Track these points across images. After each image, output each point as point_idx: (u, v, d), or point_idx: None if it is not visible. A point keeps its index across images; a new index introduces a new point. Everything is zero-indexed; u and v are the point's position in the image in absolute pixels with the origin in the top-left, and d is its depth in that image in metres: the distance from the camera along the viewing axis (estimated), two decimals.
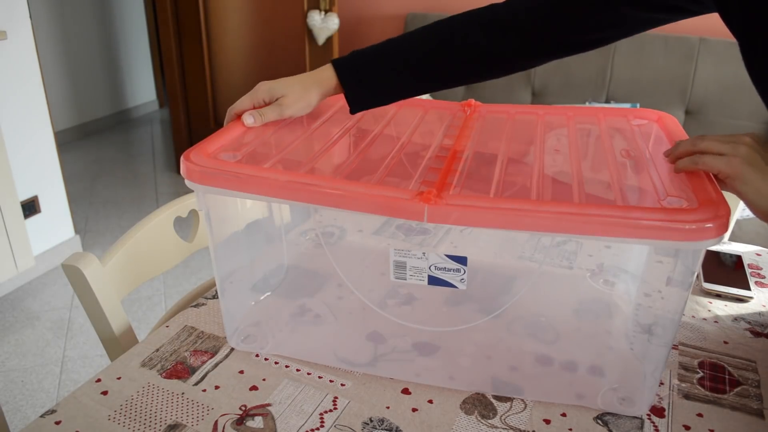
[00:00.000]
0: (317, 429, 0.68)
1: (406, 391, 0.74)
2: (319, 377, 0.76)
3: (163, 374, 0.75)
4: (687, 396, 0.74)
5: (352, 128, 0.88)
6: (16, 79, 2.23)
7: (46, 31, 3.57)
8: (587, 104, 2.48)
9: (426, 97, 2.68)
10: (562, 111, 0.94)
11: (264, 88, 0.83)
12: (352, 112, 0.85)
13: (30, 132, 2.32)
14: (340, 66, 0.82)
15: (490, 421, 0.69)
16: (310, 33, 2.82)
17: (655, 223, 0.59)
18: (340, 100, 0.99)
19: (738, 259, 1.05)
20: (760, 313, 0.92)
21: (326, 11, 2.77)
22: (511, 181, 0.72)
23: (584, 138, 0.87)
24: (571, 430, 0.68)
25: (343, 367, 0.77)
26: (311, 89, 0.82)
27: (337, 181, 0.69)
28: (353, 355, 0.79)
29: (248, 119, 0.81)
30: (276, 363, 0.78)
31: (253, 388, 0.74)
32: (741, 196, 0.65)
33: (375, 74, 0.83)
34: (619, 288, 0.93)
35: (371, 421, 0.69)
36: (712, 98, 2.38)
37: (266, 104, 0.84)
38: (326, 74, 0.82)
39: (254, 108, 0.83)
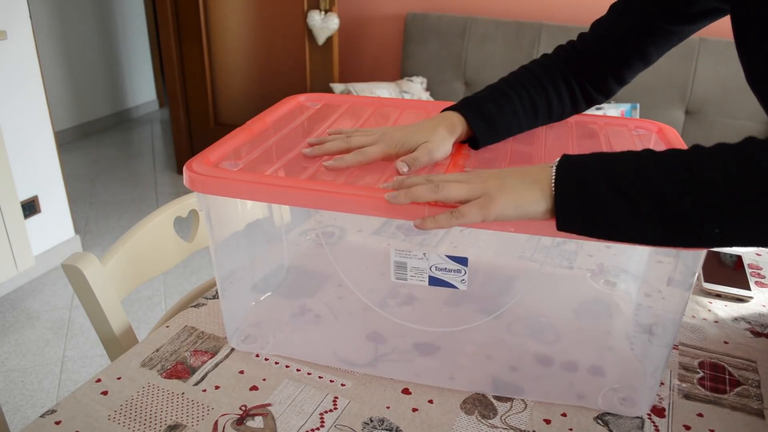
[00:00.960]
0: (317, 429, 0.68)
1: (406, 391, 0.74)
2: (320, 377, 0.76)
3: (163, 374, 0.75)
4: (687, 396, 0.74)
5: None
6: (16, 79, 2.23)
7: (46, 31, 3.57)
8: None
9: (426, 97, 2.68)
10: None
11: (396, 140, 0.77)
12: (478, 147, 0.83)
13: (30, 132, 2.32)
14: (463, 109, 0.82)
15: (490, 421, 0.69)
16: (310, 33, 2.82)
17: None
18: (343, 105, 0.99)
19: (738, 259, 1.05)
20: (760, 313, 0.92)
21: (326, 11, 2.77)
22: None
23: (585, 143, 0.87)
24: (571, 430, 0.68)
25: (344, 367, 0.77)
26: (448, 138, 0.79)
27: (338, 184, 0.69)
28: (353, 355, 0.79)
29: (403, 167, 0.74)
30: (276, 363, 0.78)
31: (254, 388, 0.74)
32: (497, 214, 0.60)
33: (494, 114, 0.83)
34: (620, 288, 0.93)
35: (371, 421, 0.69)
36: (712, 98, 2.38)
37: (399, 154, 0.78)
38: (454, 119, 0.80)
39: (384, 155, 0.78)
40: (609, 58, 0.86)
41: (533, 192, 0.60)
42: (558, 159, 0.61)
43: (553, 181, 0.59)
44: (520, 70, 0.89)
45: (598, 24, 0.87)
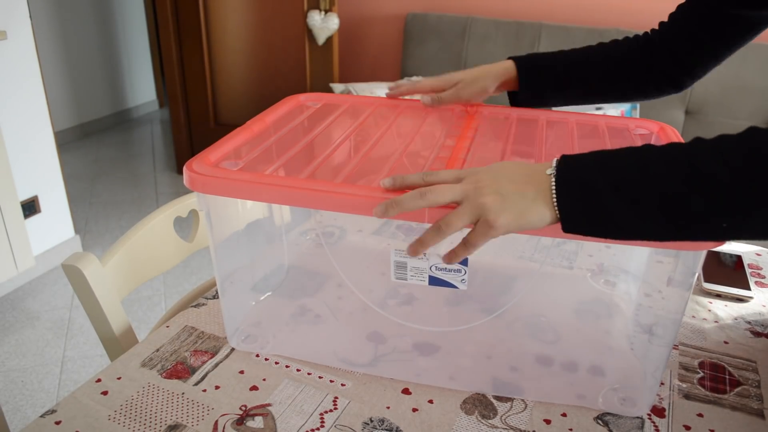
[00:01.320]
0: (317, 429, 0.68)
1: (406, 391, 0.74)
2: (320, 377, 0.76)
3: (163, 374, 0.75)
4: (687, 396, 0.74)
5: (353, 132, 0.88)
6: (16, 79, 2.23)
7: (46, 31, 3.57)
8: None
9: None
10: (563, 116, 0.94)
11: (443, 75, 0.92)
12: (517, 104, 0.92)
13: (30, 132, 2.32)
14: (518, 58, 0.90)
15: (490, 421, 0.69)
16: (310, 33, 2.82)
17: None
18: (343, 105, 0.99)
19: (738, 259, 1.05)
20: (760, 313, 0.92)
21: (326, 11, 2.77)
22: None
23: (585, 143, 0.87)
24: (571, 430, 0.68)
25: (344, 367, 0.77)
26: (488, 75, 0.90)
27: (338, 184, 0.69)
28: (353, 355, 0.79)
29: (426, 99, 0.93)
30: (276, 363, 0.78)
31: (254, 388, 0.74)
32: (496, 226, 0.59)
33: (549, 71, 0.90)
34: (620, 288, 0.93)
35: (371, 421, 0.69)
36: (712, 98, 2.38)
37: (442, 90, 0.93)
38: (505, 65, 0.90)
39: (433, 90, 0.93)
40: (677, 48, 0.87)
41: (535, 206, 0.58)
42: (555, 161, 0.59)
43: (554, 186, 0.58)
44: (596, 45, 0.92)
45: (673, 12, 0.89)
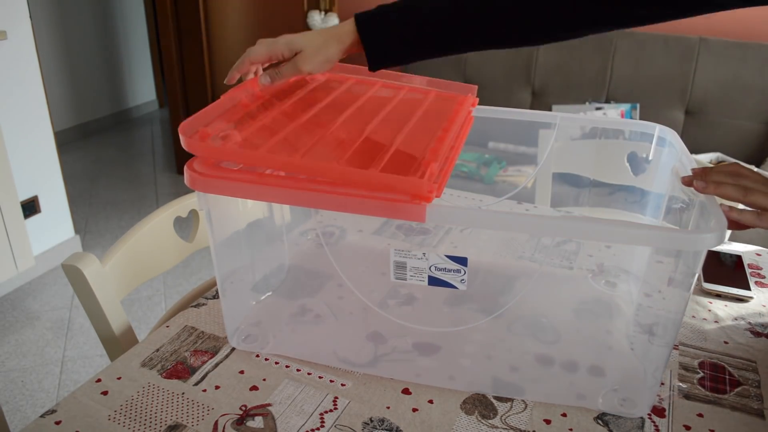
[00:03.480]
0: (317, 429, 0.68)
1: (406, 391, 0.74)
2: (320, 377, 0.76)
3: (164, 374, 0.75)
4: (687, 396, 0.74)
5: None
6: (16, 79, 2.23)
7: (46, 31, 3.57)
8: (587, 104, 2.48)
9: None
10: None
11: (284, 40, 0.78)
12: (371, 69, 0.80)
13: (30, 132, 2.32)
14: (362, 20, 0.77)
15: (490, 421, 0.69)
16: None
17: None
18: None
19: (738, 259, 1.05)
20: (760, 313, 0.92)
21: (326, 11, 2.77)
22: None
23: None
24: (571, 430, 0.68)
25: (344, 367, 0.77)
26: (330, 43, 0.77)
27: (339, 184, 0.69)
28: (354, 355, 0.79)
29: (264, 79, 0.78)
30: (276, 363, 0.78)
31: (254, 388, 0.74)
32: None
33: (397, 30, 0.78)
34: (620, 288, 0.93)
35: (371, 421, 0.69)
36: (712, 98, 2.38)
37: (284, 59, 0.79)
38: (347, 28, 0.78)
39: (271, 60, 0.79)
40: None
41: None
42: None
43: None
44: None
45: None
